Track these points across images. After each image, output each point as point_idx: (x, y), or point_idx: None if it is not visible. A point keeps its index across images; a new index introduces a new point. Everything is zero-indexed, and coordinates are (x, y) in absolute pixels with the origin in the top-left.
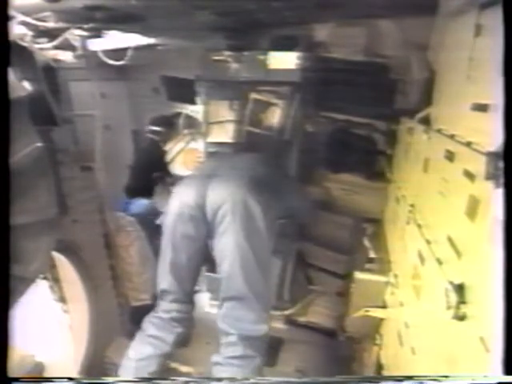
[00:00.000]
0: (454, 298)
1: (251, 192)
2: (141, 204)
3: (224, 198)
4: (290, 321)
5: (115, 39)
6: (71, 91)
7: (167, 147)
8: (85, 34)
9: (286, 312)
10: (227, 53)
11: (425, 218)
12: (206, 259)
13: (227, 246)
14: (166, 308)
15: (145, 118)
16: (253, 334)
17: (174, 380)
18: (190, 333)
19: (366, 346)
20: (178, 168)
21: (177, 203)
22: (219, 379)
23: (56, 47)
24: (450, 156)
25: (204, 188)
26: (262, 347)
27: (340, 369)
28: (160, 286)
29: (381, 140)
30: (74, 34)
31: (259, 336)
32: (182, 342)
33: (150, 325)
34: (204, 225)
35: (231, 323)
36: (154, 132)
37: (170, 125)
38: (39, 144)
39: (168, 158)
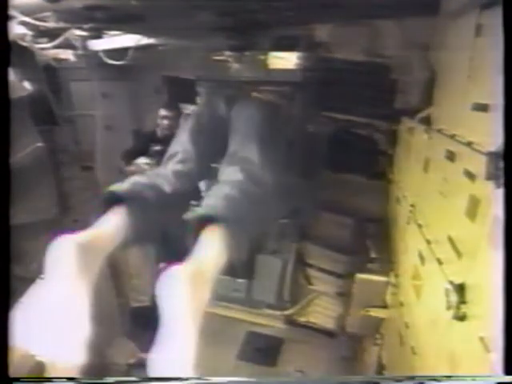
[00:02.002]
0: (454, 297)
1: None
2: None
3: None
4: (290, 321)
5: (115, 39)
6: (72, 91)
7: None
8: (85, 33)
9: (286, 312)
10: (228, 53)
11: (425, 217)
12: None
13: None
14: (172, 167)
15: (146, 118)
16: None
17: (173, 380)
18: None
19: (367, 346)
20: None
21: None
22: (219, 379)
23: (56, 47)
24: (451, 156)
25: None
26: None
27: (340, 369)
28: (171, 150)
29: (382, 140)
30: (75, 34)
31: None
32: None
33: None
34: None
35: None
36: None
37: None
38: (40, 144)
39: None
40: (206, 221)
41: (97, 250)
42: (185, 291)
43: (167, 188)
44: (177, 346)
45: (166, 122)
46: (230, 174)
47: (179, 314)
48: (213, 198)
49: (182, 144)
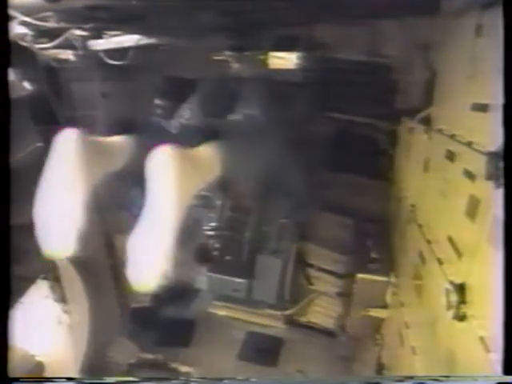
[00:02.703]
0: (454, 297)
1: None
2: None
3: None
4: (290, 321)
5: (115, 39)
6: (72, 91)
7: None
8: (85, 33)
9: (286, 312)
10: (228, 53)
11: (425, 217)
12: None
13: None
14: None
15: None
16: None
17: (173, 380)
18: (191, 334)
19: (367, 346)
20: None
21: None
22: (219, 379)
23: (56, 47)
24: (451, 156)
25: None
26: None
27: (340, 369)
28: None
29: (382, 140)
30: (75, 34)
31: None
32: None
33: None
34: None
35: None
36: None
37: None
38: (40, 144)
39: None
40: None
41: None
42: (173, 171)
43: None
44: (155, 233)
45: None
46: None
47: (164, 196)
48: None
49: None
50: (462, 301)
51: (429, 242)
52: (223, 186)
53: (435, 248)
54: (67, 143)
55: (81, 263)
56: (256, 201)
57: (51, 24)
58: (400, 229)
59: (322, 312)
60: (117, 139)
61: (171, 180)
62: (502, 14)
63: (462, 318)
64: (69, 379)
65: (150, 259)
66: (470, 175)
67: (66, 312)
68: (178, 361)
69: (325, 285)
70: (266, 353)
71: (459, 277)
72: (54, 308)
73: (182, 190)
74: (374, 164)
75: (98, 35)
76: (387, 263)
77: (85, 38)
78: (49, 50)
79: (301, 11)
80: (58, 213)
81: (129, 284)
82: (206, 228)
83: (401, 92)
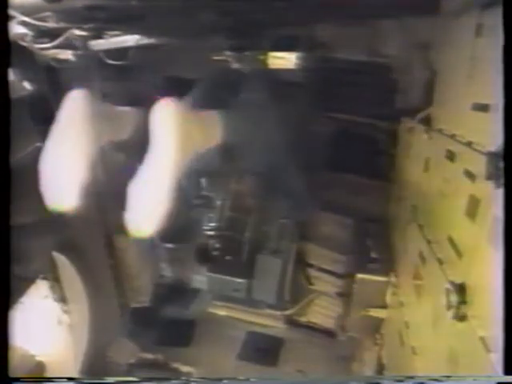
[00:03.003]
0: (454, 298)
1: None
2: None
3: None
4: (290, 321)
5: (115, 39)
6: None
7: None
8: (85, 33)
9: (286, 312)
10: (228, 53)
11: (426, 217)
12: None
13: None
14: None
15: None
16: None
17: (174, 380)
18: (191, 334)
19: (367, 346)
20: None
21: None
22: (219, 379)
23: (56, 47)
24: (451, 156)
25: None
26: None
27: (340, 369)
28: None
29: (382, 140)
30: (75, 34)
31: None
32: None
33: None
34: None
35: None
36: None
37: None
38: (40, 144)
39: None
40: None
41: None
42: (175, 123)
43: None
44: (154, 181)
45: None
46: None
47: (165, 147)
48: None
49: None
50: (462, 301)
51: (429, 242)
52: (226, 154)
53: (435, 248)
54: (77, 102)
55: (81, 263)
56: (256, 199)
57: (51, 24)
58: (400, 229)
59: (322, 312)
60: (126, 109)
61: (173, 131)
62: (502, 14)
63: (462, 317)
64: (69, 379)
65: (148, 205)
66: (470, 175)
67: (65, 312)
68: (178, 361)
69: (325, 285)
70: (265, 353)
71: (459, 277)
72: (53, 308)
73: (183, 143)
74: (374, 164)
75: (98, 35)
76: (387, 263)
77: (85, 38)
78: (49, 50)
79: (301, 11)
80: (63, 167)
81: (127, 230)
82: (205, 228)
83: (401, 92)
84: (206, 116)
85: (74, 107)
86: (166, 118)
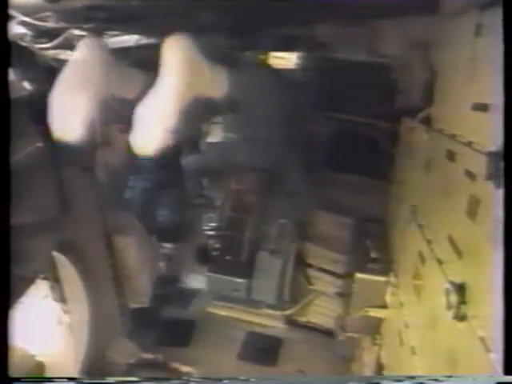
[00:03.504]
0: (454, 297)
1: None
2: None
3: None
4: (290, 321)
5: (115, 39)
6: None
7: None
8: (85, 33)
9: (286, 312)
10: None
11: (426, 217)
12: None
13: None
14: None
15: None
16: None
17: (174, 380)
18: (191, 334)
19: (367, 346)
20: None
21: None
22: (219, 379)
23: (56, 47)
24: (451, 156)
25: None
26: None
27: (340, 369)
28: None
29: (382, 140)
30: (74, 34)
31: None
32: None
33: None
34: None
35: None
36: None
37: None
38: (40, 144)
39: None
40: None
41: None
42: (184, 57)
43: None
44: (159, 106)
45: None
46: None
47: (172, 77)
48: None
49: None
50: (462, 301)
51: (429, 241)
52: (230, 107)
53: (435, 248)
54: (92, 48)
55: (81, 263)
56: (256, 199)
57: (51, 24)
58: (400, 229)
59: (322, 312)
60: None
61: (180, 62)
62: (502, 14)
63: (462, 318)
64: (69, 379)
65: (152, 126)
66: (470, 175)
67: (65, 312)
68: (178, 361)
69: (324, 285)
70: (265, 353)
71: (459, 277)
72: (53, 308)
73: (189, 78)
74: (375, 164)
75: (97, 35)
76: (387, 263)
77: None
78: (48, 50)
79: (301, 11)
80: (71, 105)
81: (131, 147)
82: (205, 228)
83: (401, 92)
84: (212, 68)
85: (87, 53)
86: (178, 49)
